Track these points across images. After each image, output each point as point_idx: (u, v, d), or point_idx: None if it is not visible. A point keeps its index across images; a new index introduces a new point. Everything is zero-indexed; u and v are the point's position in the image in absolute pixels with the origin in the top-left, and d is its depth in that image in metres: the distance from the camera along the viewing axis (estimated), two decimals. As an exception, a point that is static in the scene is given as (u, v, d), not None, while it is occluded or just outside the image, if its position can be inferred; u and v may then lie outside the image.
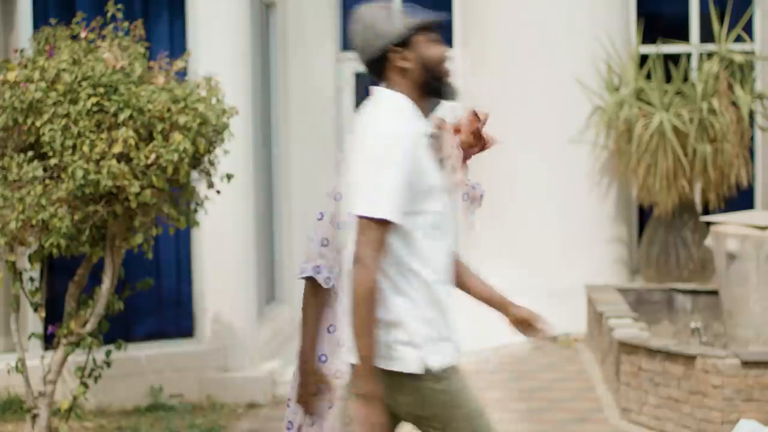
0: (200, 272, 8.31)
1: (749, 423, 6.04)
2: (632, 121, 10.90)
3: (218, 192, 6.99)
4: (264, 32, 9.74)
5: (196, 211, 6.87)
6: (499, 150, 11.28)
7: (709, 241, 8.27)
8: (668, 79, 11.35)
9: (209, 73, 6.99)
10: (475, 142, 3.62)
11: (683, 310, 9.35)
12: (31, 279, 6.81)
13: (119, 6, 6.71)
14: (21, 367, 6.70)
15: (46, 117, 6.33)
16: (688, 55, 11.63)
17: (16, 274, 6.65)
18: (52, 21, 6.78)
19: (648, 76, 11.33)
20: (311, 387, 3.68)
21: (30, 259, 6.65)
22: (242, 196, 8.27)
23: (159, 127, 6.42)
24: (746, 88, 10.94)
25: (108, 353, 6.97)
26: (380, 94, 3.46)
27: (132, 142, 6.32)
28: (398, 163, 3.24)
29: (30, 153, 6.41)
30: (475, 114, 3.61)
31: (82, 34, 6.61)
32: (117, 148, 6.30)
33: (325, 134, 11.80)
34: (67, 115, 6.33)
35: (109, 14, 6.75)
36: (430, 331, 3.25)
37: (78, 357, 7.34)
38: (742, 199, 11.41)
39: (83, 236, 6.46)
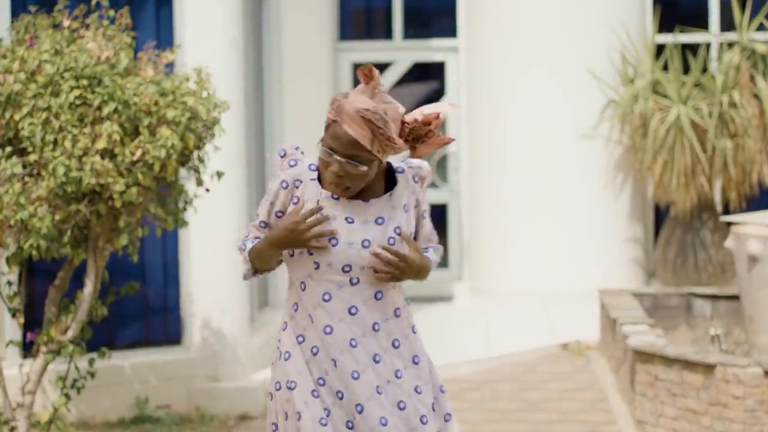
0: (189, 276, 8.32)
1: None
2: (648, 115, 10.92)
3: (208, 190, 7.00)
4: (257, 20, 9.75)
5: (184, 210, 6.88)
6: (507, 145, 11.33)
7: (729, 243, 8.28)
8: (686, 70, 11.37)
9: (199, 64, 7.00)
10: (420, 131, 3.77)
11: (702, 316, 9.36)
12: (9, 283, 6.82)
13: (105, -8, 6.74)
14: (-2, 377, 6.71)
15: (25, 110, 6.33)
16: (708, 45, 11.64)
17: (-7, 277, 6.67)
18: (32, 9, 6.79)
19: (665, 67, 11.34)
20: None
21: (8, 261, 6.66)
22: (234, 194, 8.28)
23: (146, 121, 6.43)
24: (769, 80, 10.96)
25: (91, 362, 6.98)
26: None
27: (117, 137, 6.33)
28: None
29: (8, 149, 6.42)
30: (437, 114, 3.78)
31: (65, 23, 6.62)
32: (101, 144, 6.31)
33: (322, 129, 11.81)
34: (48, 109, 6.34)
35: (93, 2, 6.76)
36: None
37: (59, 366, 7.35)
38: (764, 198, 11.42)
39: (65, 237, 6.47)
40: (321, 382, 3.85)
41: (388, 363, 3.85)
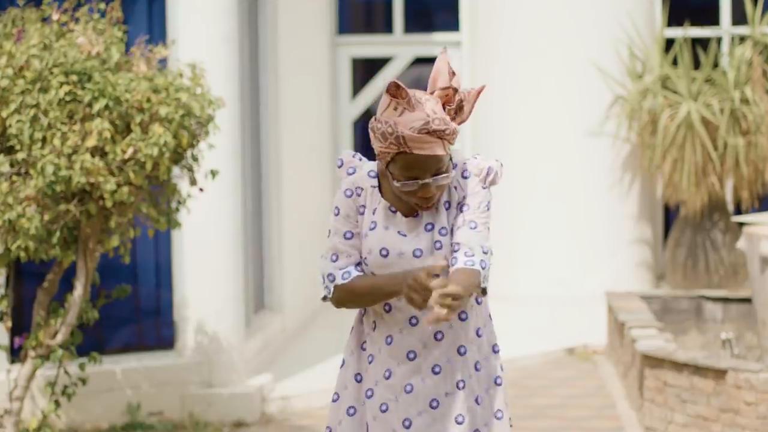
0: (182, 278, 8.32)
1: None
2: (657, 112, 10.91)
3: (202, 190, 6.99)
4: (252, 13, 9.75)
5: (177, 210, 6.88)
6: (511, 144, 11.33)
7: (741, 244, 8.28)
8: (696, 65, 11.36)
9: (193, 59, 7.00)
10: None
11: (713, 320, 9.36)
12: (-4, 285, 6.83)
13: (95, -15, 6.74)
14: (-15, 383, 6.72)
15: (13, 107, 6.33)
16: (719, 39, 11.64)
17: (-21, 279, 6.67)
18: (20, 2, 6.78)
19: (674, 63, 11.34)
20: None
21: (-6, 263, 6.67)
22: (228, 194, 8.28)
23: (137, 118, 6.43)
24: (782, 76, 10.96)
25: (81, 367, 6.97)
26: None
27: (107, 134, 6.33)
28: None
29: (-5, 147, 6.43)
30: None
31: (54, 17, 6.62)
32: (91, 142, 6.30)
33: (320, 126, 11.82)
34: (37, 105, 6.34)
35: (83, -6, 6.78)
36: None
37: (48, 371, 7.34)
38: (777, 198, 11.42)
39: (54, 238, 6.47)
40: (369, 393, 3.86)
41: (449, 374, 3.82)
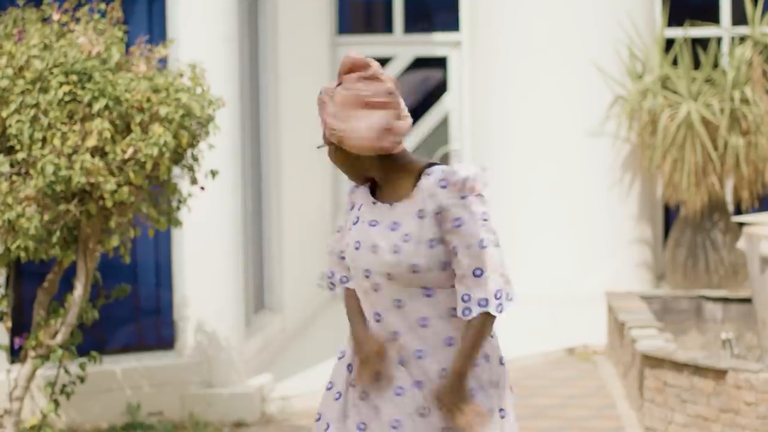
0: (182, 278, 8.32)
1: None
2: (657, 112, 10.91)
3: (202, 189, 6.99)
4: (252, 14, 9.75)
5: (178, 209, 6.88)
6: (511, 144, 11.33)
7: (741, 244, 8.28)
8: (696, 65, 11.36)
9: (193, 59, 7.00)
10: None
11: (713, 320, 9.36)
12: (-4, 285, 6.82)
13: (96, -15, 6.74)
14: (-15, 382, 6.72)
15: (13, 107, 6.33)
16: (719, 39, 11.63)
17: (-21, 279, 6.67)
18: (21, 2, 6.79)
19: (674, 63, 11.34)
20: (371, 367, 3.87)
21: (-6, 263, 6.66)
22: (229, 194, 8.28)
23: (137, 118, 6.43)
24: (782, 76, 10.96)
25: (81, 366, 6.97)
26: None
27: (108, 134, 6.33)
28: None
29: (-5, 147, 6.43)
30: None
31: (55, 17, 6.62)
32: (91, 142, 6.30)
33: (320, 126, 11.81)
34: (37, 105, 6.34)
35: (84, -6, 6.78)
36: None
37: (47, 371, 7.34)
38: (777, 198, 11.42)
39: (53, 238, 6.47)
40: (353, 382, 3.97)
41: (405, 374, 3.87)
